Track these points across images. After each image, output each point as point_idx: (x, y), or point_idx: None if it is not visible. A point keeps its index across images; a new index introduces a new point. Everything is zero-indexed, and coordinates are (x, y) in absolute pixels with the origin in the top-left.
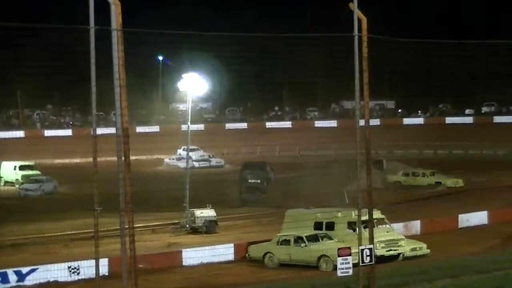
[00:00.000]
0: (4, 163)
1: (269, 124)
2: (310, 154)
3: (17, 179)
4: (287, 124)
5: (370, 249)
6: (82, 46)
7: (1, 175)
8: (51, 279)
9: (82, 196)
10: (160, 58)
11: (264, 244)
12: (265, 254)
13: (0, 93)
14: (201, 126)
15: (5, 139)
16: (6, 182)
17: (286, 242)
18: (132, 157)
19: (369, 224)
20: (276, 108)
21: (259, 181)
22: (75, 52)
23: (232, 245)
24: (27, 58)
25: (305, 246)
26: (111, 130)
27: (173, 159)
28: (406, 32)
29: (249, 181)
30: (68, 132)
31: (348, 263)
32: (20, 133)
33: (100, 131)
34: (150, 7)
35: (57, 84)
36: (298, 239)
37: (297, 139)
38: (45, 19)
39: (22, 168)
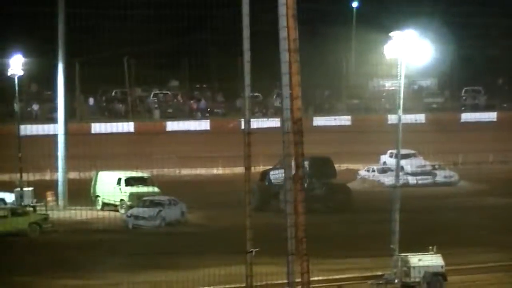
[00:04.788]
0: (102, 175)
1: None
2: None
3: (122, 200)
4: None
5: None
6: None
7: (97, 193)
8: None
9: (226, 228)
10: (354, 4)
11: None
12: None
13: (97, 61)
14: (420, 117)
15: (104, 135)
16: (105, 205)
17: None
18: None
19: None
20: None
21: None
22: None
23: None
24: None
25: None
26: (273, 123)
27: (373, 170)
28: None
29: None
30: (202, 124)
31: None
32: (128, 126)
33: (255, 123)
34: None
35: (186, 48)
36: None
37: None
38: None
39: (130, 182)
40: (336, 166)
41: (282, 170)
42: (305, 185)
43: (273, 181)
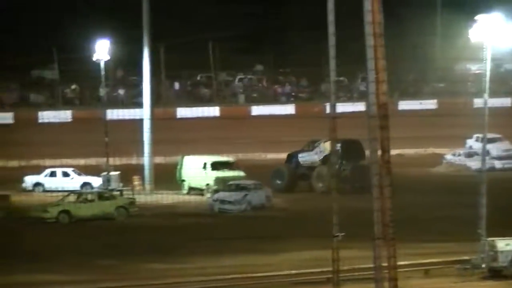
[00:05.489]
0: (187, 159)
1: None
2: None
3: (207, 184)
4: None
5: None
6: None
7: (183, 177)
8: None
9: (310, 212)
10: None
11: None
12: None
13: (182, 46)
14: (506, 101)
15: (189, 119)
16: (191, 189)
17: None
18: (393, 151)
19: None
20: None
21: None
22: None
23: None
24: None
25: None
26: (357, 107)
27: (459, 155)
28: None
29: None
30: (287, 108)
31: None
32: (213, 110)
33: (341, 107)
34: None
35: (270, 33)
36: None
37: None
38: None
39: (215, 166)
40: (422, 150)
41: (311, 153)
42: (337, 167)
43: (302, 163)
